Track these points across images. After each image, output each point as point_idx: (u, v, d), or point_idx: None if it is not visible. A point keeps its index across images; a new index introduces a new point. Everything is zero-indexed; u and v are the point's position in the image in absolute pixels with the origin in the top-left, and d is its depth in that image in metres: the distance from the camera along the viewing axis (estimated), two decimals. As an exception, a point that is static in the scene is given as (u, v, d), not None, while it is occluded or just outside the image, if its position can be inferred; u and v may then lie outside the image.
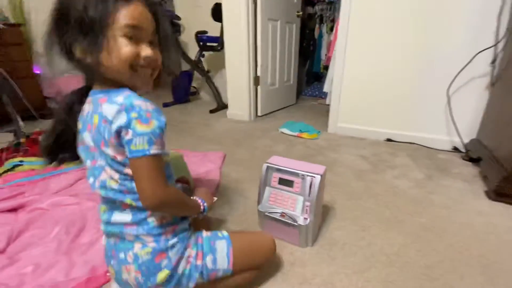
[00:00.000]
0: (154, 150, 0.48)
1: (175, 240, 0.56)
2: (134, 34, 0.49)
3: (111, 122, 0.48)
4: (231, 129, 2.06)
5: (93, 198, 1.05)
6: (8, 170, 1.24)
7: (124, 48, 0.48)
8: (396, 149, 1.60)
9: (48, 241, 0.86)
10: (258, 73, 2.26)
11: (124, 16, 0.47)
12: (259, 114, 2.40)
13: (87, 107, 0.54)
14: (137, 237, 0.54)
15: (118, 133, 0.48)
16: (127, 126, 0.47)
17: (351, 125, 1.86)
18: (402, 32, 1.55)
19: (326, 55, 3.17)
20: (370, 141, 1.75)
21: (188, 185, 1.08)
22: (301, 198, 0.80)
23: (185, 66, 3.03)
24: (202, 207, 0.65)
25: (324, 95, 3.04)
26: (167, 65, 0.57)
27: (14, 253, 0.81)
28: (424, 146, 1.63)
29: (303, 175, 0.79)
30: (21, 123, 1.78)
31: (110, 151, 0.50)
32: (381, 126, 1.76)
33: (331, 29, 3.13)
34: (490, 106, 1.40)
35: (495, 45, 1.34)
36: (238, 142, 1.75)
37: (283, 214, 0.80)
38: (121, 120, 0.47)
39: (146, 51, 0.50)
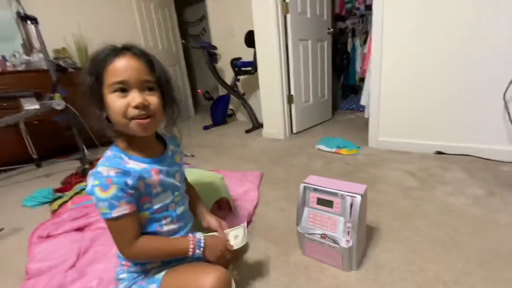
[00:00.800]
0: (116, 213, 0.53)
1: (125, 275, 0.64)
2: (123, 87, 0.54)
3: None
4: (267, 148, 2.10)
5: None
6: (77, 193, 1.44)
7: (114, 103, 0.54)
8: (447, 162, 1.47)
9: (109, 257, 0.96)
10: (292, 92, 2.30)
11: (110, 74, 0.54)
12: (294, 131, 2.41)
13: None
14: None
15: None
16: (91, 192, 0.53)
17: (393, 138, 1.76)
18: (446, 35, 1.46)
19: (361, 67, 3.10)
20: (416, 154, 1.63)
21: (229, 206, 1.13)
22: (341, 219, 0.78)
23: (222, 91, 3.22)
24: (191, 250, 0.60)
25: (362, 108, 2.94)
26: (169, 106, 0.62)
27: (82, 267, 0.92)
28: (481, 158, 1.46)
29: (342, 195, 0.77)
30: (86, 151, 2.05)
31: None
32: (428, 138, 1.63)
33: (365, 41, 3.07)
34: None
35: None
36: (274, 161, 1.78)
37: (323, 236, 0.79)
38: (88, 185, 0.54)
39: (135, 100, 0.53)
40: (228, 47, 3.12)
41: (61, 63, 2.44)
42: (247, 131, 2.68)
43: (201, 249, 0.62)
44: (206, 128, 3.04)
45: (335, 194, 0.79)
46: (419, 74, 1.59)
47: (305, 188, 0.85)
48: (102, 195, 0.52)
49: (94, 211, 1.26)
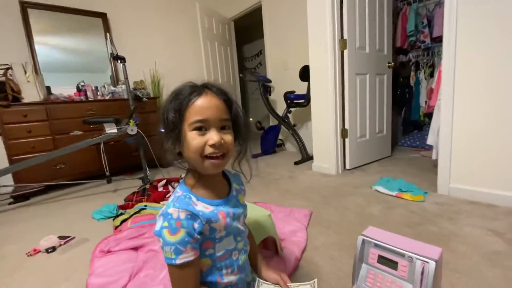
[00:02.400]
0: (181, 260, 0.52)
1: None
2: (202, 126, 0.56)
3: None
4: (317, 183, 2.00)
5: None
6: (137, 212, 1.57)
7: (193, 141, 0.56)
8: (551, 224, 1.17)
9: (156, 284, 0.98)
10: (346, 126, 2.21)
11: (192, 112, 0.56)
12: (347, 167, 2.27)
13: None
14: None
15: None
16: (159, 235, 0.53)
17: (470, 186, 1.50)
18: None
19: (426, 102, 2.84)
20: (504, 209, 1.34)
21: (275, 247, 1.07)
22: (409, 286, 0.66)
23: (273, 121, 3.28)
24: None
25: (426, 146, 2.64)
26: (240, 144, 0.64)
27: (132, 290, 0.96)
28: None
29: (410, 257, 0.66)
30: (148, 171, 2.26)
31: None
32: (519, 190, 1.35)
33: (431, 74, 2.84)
34: None
35: None
36: (325, 199, 1.67)
37: (386, 303, 0.67)
38: (157, 226, 0.54)
39: (213, 138, 0.56)
40: (282, 80, 3.23)
41: (138, 93, 2.84)
42: (296, 163, 2.62)
43: None
44: (255, 156, 3.09)
45: (401, 255, 0.68)
46: (501, 111, 1.36)
47: (363, 241, 0.76)
48: (170, 238, 0.52)
49: (149, 232, 1.34)
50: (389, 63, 2.45)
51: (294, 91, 2.87)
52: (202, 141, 0.56)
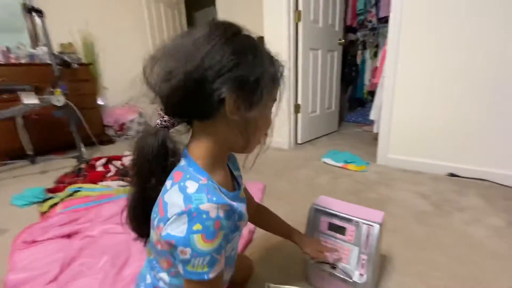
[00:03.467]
0: (214, 273, 0.40)
1: None
2: (272, 107, 0.49)
3: (166, 221, 0.39)
4: (271, 158, 2.02)
5: (138, 229, 1.07)
6: (68, 195, 1.36)
7: (268, 117, 0.49)
8: (463, 186, 1.38)
9: (95, 272, 0.87)
10: (299, 101, 2.24)
11: (278, 89, 0.48)
12: (299, 141, 2.34)
13: None
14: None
15: (170, 244, 0.39)
16: (186, 243, 0.37)
17: (404, 156, 1.68)
18: (465, 52, 1.39)
19: (370, 80, 3.04)
20: (429, 175, 1.55)
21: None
22: (355, 249, 0.70)
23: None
24: None
25: (368, 121, 2.87)
26: None
27: (64, 282, 0.84)
28: (499, 184, 1.38)
29: (357, 222, 0.69)
30: (83, 149, 1.98)
31: (154, 237, 0.45)
32: (442, 158, 1.56)
33: (375, 54, 3.02)
34: None
35: None
36: (278, 172, 1.70)
37: (334, 266, 0.71)
38: (179, 230, 0.38)
39: (271, 121, 0.51)
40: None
41: (66, 58, 2.39)
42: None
43: None
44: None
45: (348, 220, 0.71)
46: (434, 91, 1.52)
47: (315, 210, 0.77)
48: (205, 246, 0.37)
49: (84, 216, 1.19)
50: (340, 39, 2.51)
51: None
52: (270, 120, 0.50)
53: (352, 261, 0.69)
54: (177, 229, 0.38)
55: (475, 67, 1.38)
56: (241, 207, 0.48)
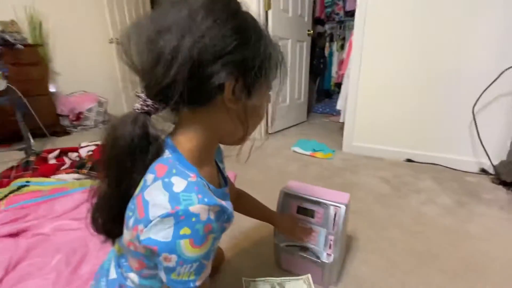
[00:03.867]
0: (200, 281, 0.36)
1: None
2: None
3: (146, 223, 0.34)
4: (243, 147, 2.00)
5: (97, 223, 0.99)
6: (13, 191, 1.21)
7: (264, 107, 0.46)
8: (418, 171, 1.50)
9: (47, 272, 0.79)
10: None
11: (276, 76, 0.44)
12: (270, 131, 2.35)
13: None
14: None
15: (151, 250, 0.34)
16: (171, 249, 0.33)
17: (367, 144, 1.77)
18: (422, 47, 1.49)
19: (337, 72, 3.14)
20: (389, 161, 1.65)
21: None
22: (323, 231, 0.71)
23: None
24: None
25: (336, 112, 2.98)
26: None
27: (9, 286, 0.75)
28: (448, 167, 1.52)
29: (325, 204, 0.71)
30: (31, 141, 1.78)
31: (127, 237, 0.39)
32: (400, 145, 1.67)
33: (342, 47, 3.12)
34: (521, 126, 1.30)
35: (523, 61, 1.27)
36: (249, 162, 1.67)
37: (303, 249, 0.72)
38: (163, 235, 0.33)
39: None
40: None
41: (7, 37, 2.10)
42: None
43: None
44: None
45: (317, 203, 0.72)
46: (395, 83, 1.61)
47: (285, 195, 0.77)
48: (194, 252, 0.33)
49: (34, 212, 1.07)
50: (309, 30, 2.54)
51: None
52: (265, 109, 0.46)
53: (320, 243, 0.71)
54: (160, 234, 0.33)
55: (430, 61, 1.49)
56: (230, 206, 0.40)
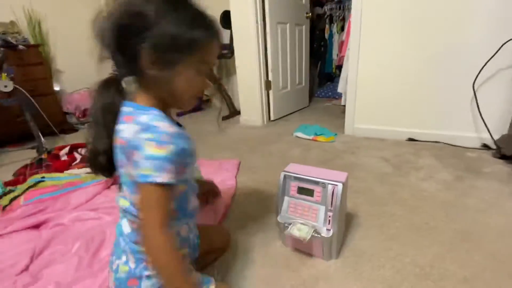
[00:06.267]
0: (161, 179, 0.43)
1: (153, 272, 0.52)
2: (205, 70, 0.51)
3: (127, 143, 0.46)
4: (245, 135, 2.04)
5: (111, 213, 1.05)
6: (31, 186, 1.28)
7: (194, 79, 0.49)
8: (419, 149, 1.52)
9: (69, 258, 0.86)
10: (269, 78, 2.24)
11: (209, 51, 0.49)
12: (272, 118, 2.37)
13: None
14: (123, 251, 0.55)
15: (130, 154, 0.45)
16: (138, 147, 0.43)
17: (369, 125, 1.78)
18: (420, 24, 1.47)
19: (337, 55, 3.10)
20: (390, 141, 1.67)
21: (206, 198, 1.06)
22: (322, 208, 0.75)
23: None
24: None
25: (338, 96, 2.97)
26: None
27: (37, 271, 0.82)
28: (449, 144, 1.53)
29: (323, 183, 0.74)
30: (42, 139, 1.84)
31: (124, 171, 0.51)
32: (401, 125, 1.68)
33: (342, 28, 3.06)
34: (523, 99, 1.29)
35: (525, 32, 1.25)
36: (252, 148, 1.72)
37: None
38: (135, 140, 0.44)
39: (209, 84, 0.53)
40: (203, 28, 2.94)
41: (9, 38, 2.14)
42: (224, 118, 2.58)
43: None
44: (180, 114, 2.89)
45: (316, 183, 0.76)
46: (394, 62, 1.60)
47: (285, 176, 0.81)
48: (154, 151, 0.42)
49: (52, 206, 1.13)
50: (307, 13, 2.50)
51: (216, 41, 2.67)
52: (202, 82, 0.52)
53: (320, 219, 0.75)
54: (129, 131, 0.46)
55: (429, 38, 1.47)
56: (188, 143, 0.50)
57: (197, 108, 3.02)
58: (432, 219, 0.92)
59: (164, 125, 0.45)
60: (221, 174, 1.34)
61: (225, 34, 2.55)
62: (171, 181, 0.44)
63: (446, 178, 1.19)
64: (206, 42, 0.48)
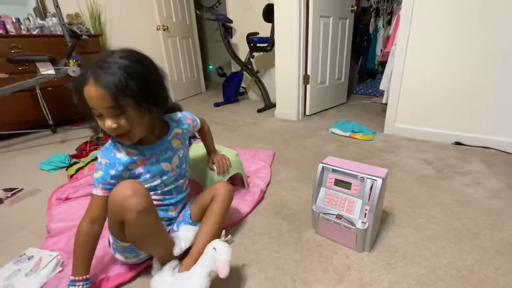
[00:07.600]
0: (93, 191, 0.65)
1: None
2: (97, 111, 0.57)
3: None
4: (279, 128, 2.07)
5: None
6: (92, 160, 1.47)
7: (98, 121, 0.60)
8: (466, 153, 1.43)
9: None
10: (308, 72, 2.23)
11: (87, 98, 0.57)
12: (307, 113, 2.37)
13: None
14: None
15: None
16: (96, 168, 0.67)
17: (411, 125, 1.71)
18: (477, 24, 1.36)
19: (382, 50, 2.96)
20: (434, 144, 1.59)
21: (242, 183, 1.13)
22: (359, 201, 0.77)
23: (235, 67, 3.14)
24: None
25: (378, 93, 2.85)
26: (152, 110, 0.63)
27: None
28: (502, 151, 1.41)
29: (362, 177, 0.76)
30: (99, 120, 2.07)
31: None
32: (448, 127, 1.58)
33: (388, 22, 2.91)
34: None
35: None
36: (287, 141, 1.76)
37: (339, 216, 0.79)
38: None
39: (104, 125, 0.58)
40: (244, 21, 3.00)
41: (75, 29, 2.40)
42: (259, 110, 2.64)
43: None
44: (217, 105, 3.01)
45: (354, 176, 0.78)
46: (444, 62, 1.51)
47: (323, 168, 0.84)
48: (95, 174, 0.66)
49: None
50: (352, 6, 2.42)
51: (258, 33, 2.72)
52: (102, 124, 0.59)
53: (355, 212, 0.77)
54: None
55: (485, 40, 1.36)
56: (137, 158, 0.67)
57: (233, 100, 3.12)
58: (475, 225, 0.89)
59: (99, 157, 0.66)
60: (257, 163, 1.40)
61: (267, 28, 2.58)
62: (97, 194, 0.65)
63: (496, 186, 1.11)
64: (82, 92, 0.58)
